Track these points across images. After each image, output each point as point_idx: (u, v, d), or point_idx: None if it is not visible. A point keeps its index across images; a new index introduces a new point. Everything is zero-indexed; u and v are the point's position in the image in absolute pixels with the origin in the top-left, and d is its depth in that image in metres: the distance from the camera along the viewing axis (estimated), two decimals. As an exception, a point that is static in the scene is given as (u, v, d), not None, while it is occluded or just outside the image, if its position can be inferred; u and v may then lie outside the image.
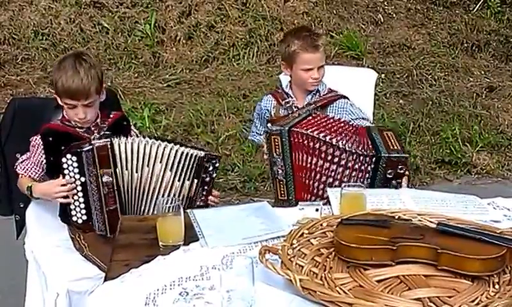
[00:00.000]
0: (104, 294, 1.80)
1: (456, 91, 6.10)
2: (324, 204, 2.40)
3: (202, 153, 2.61)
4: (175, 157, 2.58)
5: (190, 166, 2.60)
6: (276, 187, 2.80)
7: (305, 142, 2.67)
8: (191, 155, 2.59)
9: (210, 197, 2.67)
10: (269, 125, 2.82)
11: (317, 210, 2.31)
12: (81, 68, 2.55)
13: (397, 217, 2.03)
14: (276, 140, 2.70)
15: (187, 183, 2.60)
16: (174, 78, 6.10)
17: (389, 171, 2.60)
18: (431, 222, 2.01)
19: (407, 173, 2.64)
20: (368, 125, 2.88)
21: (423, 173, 4.99)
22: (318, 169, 2.68)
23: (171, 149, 2.58)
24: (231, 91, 5.88)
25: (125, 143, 2.55)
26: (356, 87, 3.11)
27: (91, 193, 2.55)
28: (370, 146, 2.63)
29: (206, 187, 2.64)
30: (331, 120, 2.80)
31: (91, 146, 2.52)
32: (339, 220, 1.96)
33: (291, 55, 2.94)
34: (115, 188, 2.56)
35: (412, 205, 2.32)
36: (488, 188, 4.76)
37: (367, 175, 2.63)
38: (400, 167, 2.59)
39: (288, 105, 3.00)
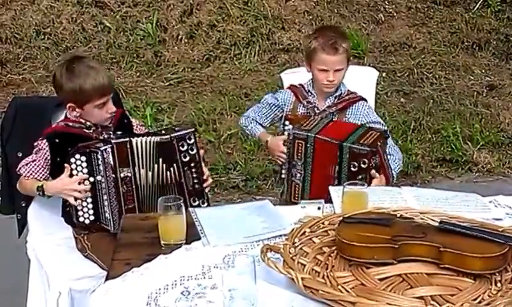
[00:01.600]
0: (105, 293, 1.80)
1: (456, 90, 6.11)
2: (325, 202, 2.40)
3: (167, 137, 2.55)
4: (145, 148, 2.55)
5: (166, 152, 2.55)
6: (291, 189, 2.81)
7: (328, 150, 2.68)
8: (157, 142, 2.55)
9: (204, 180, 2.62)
10: (289, 126, 2.82)
11: (319, 208, 2.31)
12: (96, 65, 2.63)
13: (399, 215, 2.03)
14: (300, 144, 2.71)
15: (172, 170, 2.56)
16: (176, 77, 6.11)
17: (352, 163, 2.62)
18: (433, 220, 2.01)
19: (375, 173, 2.65)
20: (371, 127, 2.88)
21: (424, 171, 4.99)
22: (332, 173, 2.69)
23: (135, 142, 2.54)
24: (233, 89, 5.88)
25: (142, 141, 2.54)
26: (357, 86, 3.11)
27: (108, 191, 2.54)
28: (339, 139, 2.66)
29: (192, 165, 2.58)
30: (347, 126, 2.83)
31: (109, 144, 2.51)
32: (341, 218, 1.96)
33: (311, 52, 2.90)
34: (133, 187, 2.55)
35: (414, 203, 2.32)
36: (489, 186, 4.76)
37: (337, 168, 2.65)
38: (363, 160, 2.60)
39: (310, 105, 2.97)
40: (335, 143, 2.66)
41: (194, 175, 2.60)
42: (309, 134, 2.70)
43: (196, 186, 2.60)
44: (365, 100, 3.00)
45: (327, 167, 2.70)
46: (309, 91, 3.00)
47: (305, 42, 3.00)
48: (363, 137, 2.68)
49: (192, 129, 2.61)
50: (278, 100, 3.05)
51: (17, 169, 2.63)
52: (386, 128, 3.00)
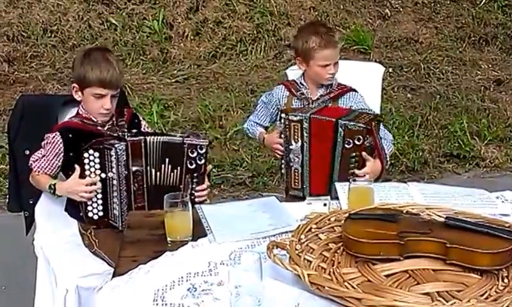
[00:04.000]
0: (112, 290, 1.80)
1: (463, 85, 6.09)
2: (332, 198, 2.41)
3: (180, 139, 2.57)
4: (169, 148, 2.56)
5: (174, 154, 2.56)
6: (290, 176, 2.87)
7: (325, 129, 2.75)
8: (171, 143, 2.56)
9: (198, 188, 2.59)
10: (283, 114, 2.88)
11: (325, 204, 2.31)
12: (113, 60, 2.64)
13: (405, 211, 2.03)
14: (296, 127, 2.78)
15: (175, 172, 2.57)
16: (182, 74, 6.12)
17: (347, 140, 2.69)
18: (440, 216, 2.01)
19: (366, 155, 2.71)
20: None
21: (431, 166, 4.98)
22: (331, 153, 2.75)
23: (149, 141, 2.55)
24: (239, 86, 5.88)
25: (155, 141, 2.55)
26: (363, 82, 3.11)
27: (118, 188, 2.55)
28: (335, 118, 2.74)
29: (195, 174, 2.58)
30: (343, 108, 2.92)
31: (124, 142, 2.53)
32: (347, 214, 1.96)
33: (309, 51, 2.95)
34: (145, 186, 2.56)
35: (420, 199, 2.32)
36: (497, 181, 4.75)
37: (330, 145, 2.73)
38: (358, 137, 2.67)
39: (303, 96, 3.01)
40: (330, 120, 2.73)
41: (194, 185, 2.59)
42: (304, 115, 2.78)
43: (192, 197, 2.58)
44: (356, 91, 3.04)
45: (324, 147, 2.77)
46: (301, 83, 3.05)
47: (299, 43, 3.01)
48: (359, 117, 2.76)
49: (207, 141, 2.62)
50: (273, 97, 3.10)
51: (29, 164, 2.65)
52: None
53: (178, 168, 2.56)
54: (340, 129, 2.69)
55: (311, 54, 2.95)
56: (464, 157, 5.09)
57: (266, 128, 3.17)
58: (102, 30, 6.39)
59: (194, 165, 2.57)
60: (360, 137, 2.68)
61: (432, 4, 7.21)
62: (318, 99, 3.00)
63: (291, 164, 2.85)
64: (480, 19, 7.06)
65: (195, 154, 2.55)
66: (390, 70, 6.11)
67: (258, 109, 3.17)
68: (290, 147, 2.83)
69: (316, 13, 6.76)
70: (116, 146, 2.52)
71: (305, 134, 2.78)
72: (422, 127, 5.41)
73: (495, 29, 6.99)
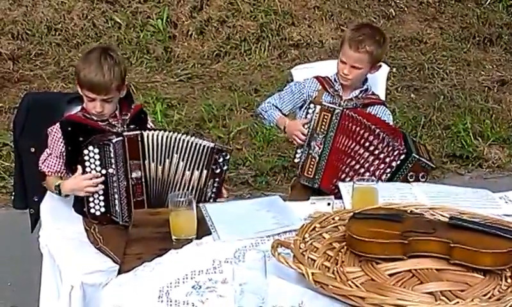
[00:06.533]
0: (117, 287, 1.81)
1: (467, 85, 6.08)
2: (335, 198, 2.41)
3: (212, 144, 2.63)
4: (186, 147, 2.61)
5: (200, 156, 2.61)
6: (306, 163, 2.88)
7: (353, 127, 2.78)
8: (201, 145, 2.61)
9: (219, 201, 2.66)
10: (311, 105, 2.92)
11: (329, 204, 2.32)
12: (105, 63, 2.57)
13: (409, 211, 2.04)
14: (326, 116, 2.81)
15: (196, 173, 2.62)
16: (186, 73, 6.12)
17: (410, 174, 2.69)
18: (443, 216, 2.02)
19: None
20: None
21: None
22: (353, 154, 2.78)
23: (183, 140, 2.61)
24: (242, 85, 5.89)
25: (153, 135, 2.58)
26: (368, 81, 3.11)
27: (118, 184, 2.57)
28: (403, 145, 2.72)
29: (217, 179, 2.64)
30: (376, 116, 2.93)
31: (121, 137, 2.55)
32: (351, 214, 1.97)
33: (341, 42, 3.03)
34: (143, 180, 2.58)
35: (424, 199, 2.32)
36: (500, 182, 4.75)
37: (389, 170, 2.70)
38: (422, 174, 2.68)
39: (336, 93, 3.03)
40: (360, 120, 2.75)
41: (214, 190, 2.65)
42: (336, 107, 2.82)
43: (211, 200, 2.65)
44: (386, 105, 3.09)
45: (347, 144, 2.78)
46: (335, 80, 3.06)
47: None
48: (419, 149, 2.78)
49: (231, 149, 2.75)
50: (303, 87, 3.10)
51: (39, 168, 2.66)
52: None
53: (205, 171, 2.61)
54: (410, 161, 2.68)
55: (341, 46, 3.02)
56: (467, 157, 5.09)
57: (284, 115, 3.14)
58: (106, 28, 6.40)
59: (218, 170, 2.64)
60: (425, 174, 2.69)
61: (437, 4, 7.20)
62: (351, 100, 3.01)
63: (310, 151, 2.86)
64: (485, 19, 7.05)
65: (221, 160, 2.63)
66: (394, 69, 6.10)
67: (283, 94, 3.15)
68: (315, 135, 2.84)
69: (320, 12, 6.75)
70: (113, 141, 2.54)
71: (332, 126, 2.80)
72: (425, 127, 5.41)
73: (499, 30, 6.97)
